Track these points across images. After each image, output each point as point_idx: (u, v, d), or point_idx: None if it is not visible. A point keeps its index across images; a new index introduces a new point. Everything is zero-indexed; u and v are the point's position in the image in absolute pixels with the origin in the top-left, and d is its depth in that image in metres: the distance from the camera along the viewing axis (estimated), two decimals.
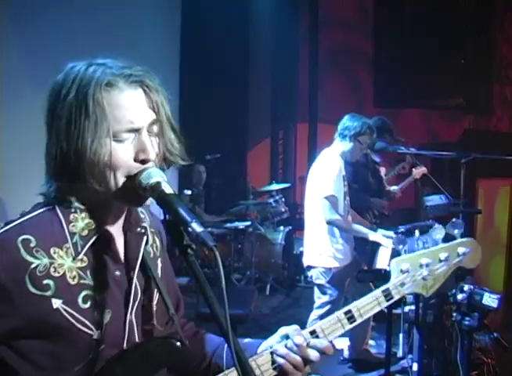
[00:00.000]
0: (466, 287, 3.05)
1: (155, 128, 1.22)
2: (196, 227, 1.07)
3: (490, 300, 2.96)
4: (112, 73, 1.17)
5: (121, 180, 1.18)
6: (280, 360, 1.31)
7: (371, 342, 4.74)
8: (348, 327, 1.42)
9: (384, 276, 3.55)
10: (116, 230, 1.26)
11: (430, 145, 6.53)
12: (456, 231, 1.61)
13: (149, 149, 1.19)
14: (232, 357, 1.05)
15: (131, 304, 1.24)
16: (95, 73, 1.17)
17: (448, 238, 1.60)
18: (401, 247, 1.59)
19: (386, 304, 1.46)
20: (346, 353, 4.60)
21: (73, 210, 1.21)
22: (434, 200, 4.45)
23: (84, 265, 1.19)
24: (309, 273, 4.23)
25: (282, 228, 6.91)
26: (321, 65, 8.34)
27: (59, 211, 1.21)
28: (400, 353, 4.49)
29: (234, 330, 1.05)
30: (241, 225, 6.82)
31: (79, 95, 1.15)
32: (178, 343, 1.25)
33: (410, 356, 4.11)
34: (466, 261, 1.57)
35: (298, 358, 1.31)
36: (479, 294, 2.99)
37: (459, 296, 3.06)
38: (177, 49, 7.51)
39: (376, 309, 1.44)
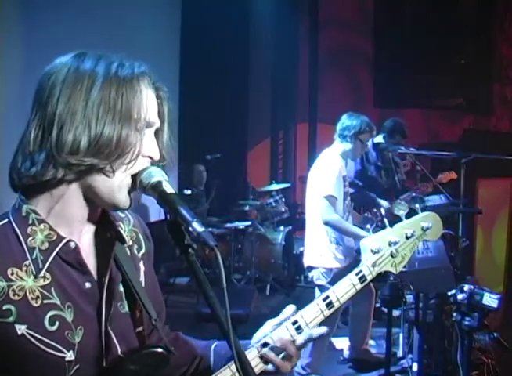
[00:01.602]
0: (466, 287, 3.05)
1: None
2: (197, 227, 1.05)
3: (490, 300, 2.96)
4: (139, 68, 1.16)
5: (125, 176, 1.14)
6: (268, 354, 1.33)
7: (371, 342, 4.74)
8: (328, 313, 1.44)
9: (383, 277, 3.55)
10: (87, 237, 1.20)
11: (430, 145, 6.53)
12: (416, 205, 1.62)
13: (157, 148, 1.19)
14: (233, 358, 1.04)
15: (104, 315, 1.16)
16: (124, 65, 1.15)
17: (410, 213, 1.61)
18: (368, 226, 1.58)
19: (361, 286, 1.48)
20: (346, 353, 4.60)
21: (30, 222, 1.12)
22: (434, 200, 4.46)
23: (47, 282, 1.10)
24: (310, 274, 4.22)
25: (282, 228, 6.91)
26: (321, 65, 8.35)
27: (14, 225, 1.11)
28: (400, 353, 4.50)
29: (234, 330, 1.05)
30: (241, 225, 6.82)
31: (113, 81, 1.11)
32: (161, 350, 1.20)
33: (410, 356, 4.11)
34: (429, 234, 1.59)
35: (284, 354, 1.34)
36: (479, 294, 2.99)
37: (459, 296, 3.06)
38: (177, 49, 7.51)
39: (352, 293, 1.47)
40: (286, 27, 8.13)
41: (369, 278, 1.49)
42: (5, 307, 1.06)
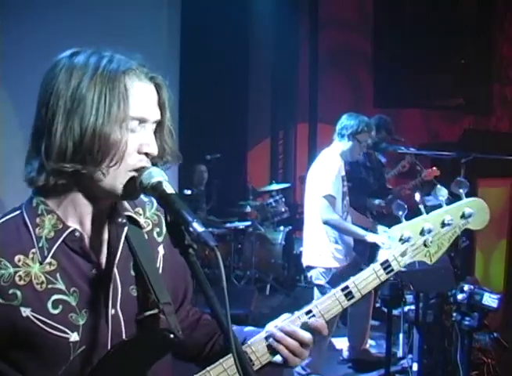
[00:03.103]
0: (466, 287, 3.05)
1: (155, 128, 1.22)
2: (197, 227, 1.06)
3: (490, 300, 2.97)
4: (128, 63, 1.17)
5: (121, 172, 1.16)
6: (277, 346, 1.30)
7: (371, 342, 4.74)
8: (347, 304, 1.36)
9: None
10: (99, 224, 1.24)
11: (430, 145, 6.53)
12: (460, 190, 1.44)
13: (154, 143, 1.19)
14: (233, 357, 1.04)
15: (111, 299, 1.21)
16: (112, 61, 1.16)
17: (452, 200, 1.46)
18: (400, 213, 1.43)
19: (386, 277, 1.38)
20: (345, 354, 4.60)
21: (39, 212, 1.19)
22: (433, 200, 4.45)
23: (52, 268, 1.17)
24: (309, 274, 4.22)
25: (282, 228, 6.90)
26: (321, 65, 8.35)
27: (25, 215, 1.19)
28: (400, 353, 4.50)
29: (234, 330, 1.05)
30: (241, 225, 6.82)
31: (98, 79, 1.13)
32: (166, 333, 1.22)
33: (410, 356, 4.11)
34: (473, 222, 1.45)
35: (294, 342, 1.30)
36: (479, 294, 2.99)
37: (459, 296, 3.06)
38: (177, 49, 7.49)
39: (376, 284, 1.37)
40: (286, 27, 8.13)
41: (396, 268, 1.38)
42: (10, 291, 1.14)
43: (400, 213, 1.44)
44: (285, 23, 8.07)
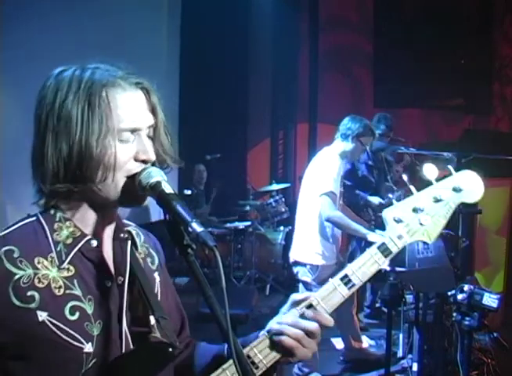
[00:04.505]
0: (466, 287, 3.05)
1: (151, 132, 1.22)
2: (197, 227, 1.05)
3: (490, 300, 2.97)
4: (111, 74, 1.17)
5: (121, 181, 1.16)
6: (280, 338, 1.24)
7: (371, 342, 4.74)
8: (348, 293, 1.29)
9: (382, 276, 3.55)
10: (105, 239, 1.23)
11: (430, 145, 6.54)
12: (449, 166, 1.39)
13: (150, 149, 1.19)
14: (232, 358, 1.04)
15: (124, 314, 1.19)
16: (95, 74, 1.16)
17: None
18: (391, 195, 1.43)
19: (385, 260, 1.32)
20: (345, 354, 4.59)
21: (57, 219, 1.18)
22: None
23: (70, 274, 1.16)
24: (295, 269, 4.21)
25: (282, 228, 6.90)
26: (321, 65, 8.35)
27: (43, 221, 1.18)
28: (400, 353, 4.49)
29: (234, 331, 1.04)
30: (241, 225, 6.82)
31: (80, 95, 1.13)
32: (171, 349, 1.21)
33: (410, 356, 4.11)
34: (466, 195, 1.39)
35: (299, 331, 1.24)
36: (479, 294, 2.99)
37: (459, 296, 3.06)
38: (177, 49, 7.50)
39: (375, 268, 1.31)
40: (286, 26, 8.13)
41: (394, 250, 1.32)
42: (29, 293, 1.11)
43: (390, 195, 1.41)
44: (285, 23, 8.07)
